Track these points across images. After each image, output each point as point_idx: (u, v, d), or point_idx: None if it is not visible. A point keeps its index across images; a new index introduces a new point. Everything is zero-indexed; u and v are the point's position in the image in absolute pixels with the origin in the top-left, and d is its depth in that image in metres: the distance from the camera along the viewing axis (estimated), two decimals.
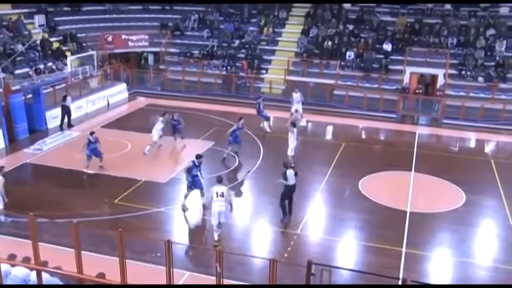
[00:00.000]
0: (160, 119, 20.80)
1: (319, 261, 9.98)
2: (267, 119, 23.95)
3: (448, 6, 32.76)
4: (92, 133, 18.96)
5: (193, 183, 15.97)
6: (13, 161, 19.69)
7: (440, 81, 28.70)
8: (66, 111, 23.59)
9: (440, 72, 28.86)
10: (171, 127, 21.26)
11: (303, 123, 25.50)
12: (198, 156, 16.14)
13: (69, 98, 23.76)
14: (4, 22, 28.44)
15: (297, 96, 25.74)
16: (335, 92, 29.51)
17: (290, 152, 19.82)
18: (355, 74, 30.03)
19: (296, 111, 25.83)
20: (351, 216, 16.13)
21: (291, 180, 15.06)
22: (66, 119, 23.72)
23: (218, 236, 13.98)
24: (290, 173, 15.03)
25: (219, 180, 14.31)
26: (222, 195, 13.79)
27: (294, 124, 20.27)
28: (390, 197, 17.52)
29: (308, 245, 14.52)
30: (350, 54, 30.62)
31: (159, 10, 36.45)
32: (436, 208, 16.81)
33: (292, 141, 19.84)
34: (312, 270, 9.34)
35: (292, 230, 15.00)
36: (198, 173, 15.97)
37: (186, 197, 16.10)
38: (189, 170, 15.90)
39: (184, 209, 15.97)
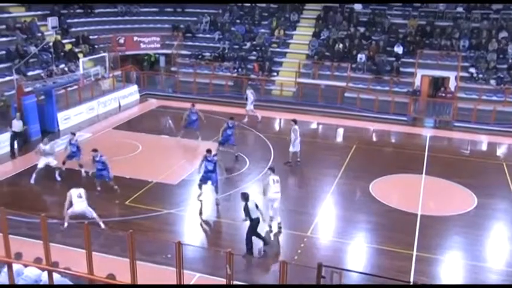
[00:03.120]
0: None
1: (330, 263, 9.95)
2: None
3: (460, 8, 32.61)
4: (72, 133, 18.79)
5: (208, 178, 16.26)
6: (25, 162, 19.86)
7: (452, 83, 28.54)
8: (15, 137, 20.38)
9: (451, 75, 28.71)
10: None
11: (246, 119, 25.67)
12: (208, 151, 16.37)
13: (16, 122, 20.26)
14: (18, 24, 28.75)
15: (249, 93, 25.98)
16: (346, 95, 29.43)
17: (291, 148, 19.75)
18: (366, 77, 29.94)
19: (251, 109, 25.88)
20: (361, 219, 16.08)
21: (254, 214, 13.48)
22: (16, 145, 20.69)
23: (279, 224, 14.86)
24: (251, 205, 13.53)
25: (273, 170, 15.28)
26: (278, 181, 14.90)
27: (295, 121, 20.23)
28: (401, 199, 17.45)
29: (318, 247, 14.47)
30: (361, 57, 30.54)
31: (171, 12, 36.64)
32: (447, 211, 16.70)
33: (297, 138, 19.68)
34: (322, 273, 9.31)
35: (303, 232, 14.96)
36: (211, 167, 16.14)
37: (199, 187, 16.50)
38: (200, 165, 16.33)
39: (199, 199, 16.42)
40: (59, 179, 17.99)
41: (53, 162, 17.99)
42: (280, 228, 14.93)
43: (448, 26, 31.59)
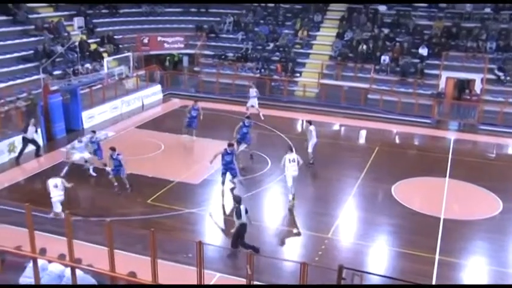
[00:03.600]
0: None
1: (350, 265, 9.89)
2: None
3: (488, 9, 32.04)
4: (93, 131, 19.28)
5: (228, 170, 17.32)
6: (50, 160, 20.20)
7: (478, 86, 28.10)
8: (27, 142, 20.02)
9: (477, 77, 28.27)
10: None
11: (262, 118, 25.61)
12: (230, 145, 17.50)
13: (31, 129, 19.96)
14: (46, 24, 29.24)
15: (252, 91, 25.99)
16: (369, 96, 29.24)
17: (310, 149, 19.92)
18: (390, 78, 29.69)
19: (252, 106, 25.93)
20: (383, 222, 15.95)
21: (243, 218, 13.32)
22: (33, 150, 20.45)
23: (293, 194, 16.57)
24: (242, 209, 13.34)
25: (291, 149, 16.96)
26: (294, 160, 16.40)
27: (310, 122, 20.32)
28: (424, 202, 17.25)
29: (339, 249, 14.41)
30: (385, 58, 30.30)
31: (195, 13, 36.84)
32: (471, 215, 16.46)
33: (311, 139, 19.82)
34: (343, 275, 9.26)
35: (324, 234, 14.90)
36: (229, 159, 17.23)
37: (222, 183, 17.41)
38: (222, 157, 17.25)
39: (233, 189, 17.63)
40: (94, 174, 18.54)
41: (87, 155, 18.67)
42: (293, 197, 16.64)
43: (475, 27, 31.08)
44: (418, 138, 25.32)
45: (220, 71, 32.51)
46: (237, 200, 13.68)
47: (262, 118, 25.50)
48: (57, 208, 14.83)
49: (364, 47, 31.16)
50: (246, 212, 13.42)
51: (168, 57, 36.56)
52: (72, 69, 26.79)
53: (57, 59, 27.08)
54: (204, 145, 21.94)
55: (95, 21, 32.88)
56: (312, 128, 19.88)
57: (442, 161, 20.98)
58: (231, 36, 35.07)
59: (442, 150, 22.61)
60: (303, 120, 25.82)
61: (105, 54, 29.98)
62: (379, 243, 14.81)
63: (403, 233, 15.18)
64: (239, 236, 13.36)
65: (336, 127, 26.28)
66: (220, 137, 21.96)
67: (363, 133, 25.45)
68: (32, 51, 26.91)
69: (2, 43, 26.33)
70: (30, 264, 9.76)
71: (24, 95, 23.37)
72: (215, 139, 22.04)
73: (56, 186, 14.98)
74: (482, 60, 28.81)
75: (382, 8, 33.87)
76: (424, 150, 23.19)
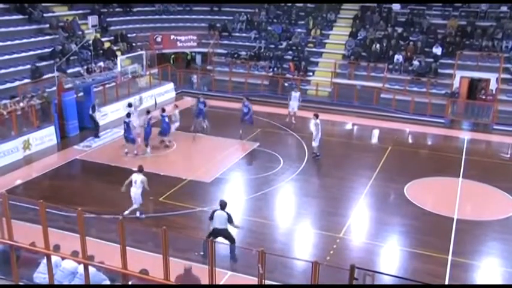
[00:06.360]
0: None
1: (362, 265, 9.84)
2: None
3: (504, 8, 31.66)
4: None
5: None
6: (64, 157, 20.37)
7: (493, 85, 27.83)
8: (93, 120, 22.59)
9: (492, 77, 28.00)
10: None
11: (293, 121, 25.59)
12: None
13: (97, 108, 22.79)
14: (60, 23, 29.46)
15: (295, 95, 25.71)
16: (382, 96, 29.09)
17: (314, 143, 20.27)
18: (403, 78, 29.52)
19: (292, 108, 25.78)
20: (395, 221, 15.88)
21: (217, 223, 12.88)
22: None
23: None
24: (219, 214, 12.94)
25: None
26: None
27: (316, 115, 20.53)
28: (437, 203, 17.14)
29: (351, 248, 14.37)
30: (398, 58, 30.13)
31: (208, 11, 36.90)
32: (485, 216, 16.33)
33: (317, 133, 20.14)
34: (355, 275, 9.23)
35: (335, 233, 14.87)
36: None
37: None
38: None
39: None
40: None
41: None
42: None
43: (490, 26, 30.77)
44: (431, 138, 25.15)
45: (232, 70, 32.54)
46: (220, 205, 13.07)
47: (294, 122, 25.24)
48: (134, 205, 15.15)
49: (378, 46, 31.02)
50: (230, 220, 12.89)
51: (172, 56, 36.53)
52: (86, 67, 26.95)
53: (71, 57, 27.27)
54: (216, 143, 21.97)
55: (108, 19, 33.04)
56: (318, 121, 20.18)
57: (456, 161, 20.83)
58: (244, 34, 35.08)
59: (455, 150, 22.45)
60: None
61: (118, 53, 30.12)
62: (391, 243, 14.74)
63: (415, 233, 15.11)
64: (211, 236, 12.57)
65: (349, 126, 26.19)
66: (232, 136, 22.04)
67: (376, 132, 25.34)
68: (47, 50, 27.09)
69: (17, 42, 26.57)
70: (44, 261, 9.86)
71: (39, 92, 23.56)
72: (227, 137, 22.08)
73: (135, 182, 15.01)
74: (498, 59, 28.53)
75: (396, 7, 33.68)
76: (437, 150, 23.04)
